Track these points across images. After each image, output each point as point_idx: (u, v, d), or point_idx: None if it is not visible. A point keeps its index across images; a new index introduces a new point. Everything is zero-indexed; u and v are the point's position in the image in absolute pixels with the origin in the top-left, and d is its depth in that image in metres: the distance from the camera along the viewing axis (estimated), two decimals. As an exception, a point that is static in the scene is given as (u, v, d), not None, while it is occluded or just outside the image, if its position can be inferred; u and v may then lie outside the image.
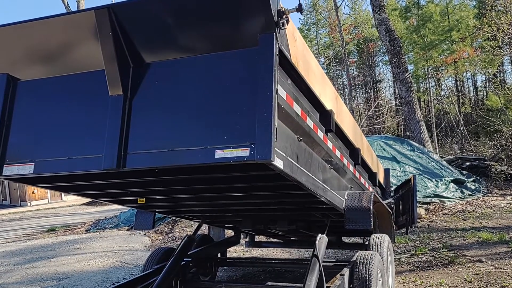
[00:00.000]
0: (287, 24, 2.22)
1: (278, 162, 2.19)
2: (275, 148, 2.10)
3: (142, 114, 2.37)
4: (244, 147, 2.10)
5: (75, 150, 2.44)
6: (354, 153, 4.17)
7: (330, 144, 3.26)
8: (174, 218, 11.16)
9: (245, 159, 2.08)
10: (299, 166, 2.60)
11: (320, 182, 3.10)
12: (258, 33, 2.16)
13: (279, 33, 2.17)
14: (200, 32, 2.29)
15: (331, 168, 3.45)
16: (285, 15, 2.18)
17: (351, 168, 4.12)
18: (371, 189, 5.09)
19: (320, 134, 2.99)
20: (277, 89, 2.13)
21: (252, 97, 2.13)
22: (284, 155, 2.33)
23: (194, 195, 3.45)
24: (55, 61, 2.57)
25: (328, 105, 3.12)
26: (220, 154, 2.14)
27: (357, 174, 4.40)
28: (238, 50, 2.24)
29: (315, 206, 3.70)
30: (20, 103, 2.64)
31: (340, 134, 3.63)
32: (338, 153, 3.55)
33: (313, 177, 2.93)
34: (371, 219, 3.59)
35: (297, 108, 2.51)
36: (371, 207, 3.62)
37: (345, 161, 3.83)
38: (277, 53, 2.15)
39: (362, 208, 3.64)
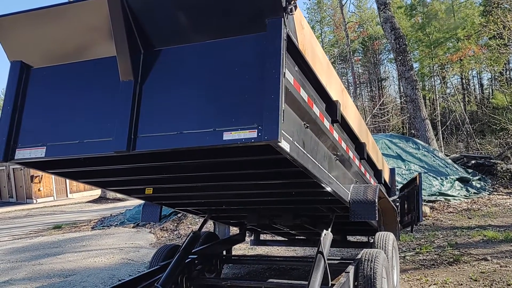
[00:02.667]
0: (295, 10, 2.27)
1: (284, 145, 2.24)
2: (282, 131, 2.15)
3: (152, 98, 2.43)
4: (251, 129, 2.14)
5: (86, 134, 2.50)
6: (359, 147, 4.18)
7: (336, 135, 3.28)
8: (179, 215, 11.21)
9: (253, 140, 2.13)
10: (305, 152, 2.64)
11: (326, 172, 3.12)
12: (266, 18, 2.21)
13: (287, 18, 2.22)
14: (209, 18, 2.34)
15: (336, 159, 3.47)
16: (293, 1, 2.23)
17: (357, 161, 4.13)
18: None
19: (326, 123, 3.03)
20: (284, 73, 2.17)
21: (260, 80, 2.18)
22: (291, 139, 2.37)
23: (200, 184, 3.49)
24: (68, 48, 2.62)
25: (334, 96, 3.15)
26: (228, 136, 2.18)
27: (362, 169, 4.40)
28: (246, 36, 2.29)
29: (321, 197, 3.72)
30: (33, 89, 2.71)
31: (345, 127, 3.65)
32: (343, 145, 3.57)
33: (319, 165, 2.95)
34: (376, 212, 3.61)
35: (304, 94, 2.55)
36: (376, 200, 3.63)
37: (350, 153, 3.84)
38: (285, 37, 2.20)
39: (367, 201, 3.66)
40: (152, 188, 3.77)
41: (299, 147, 2.53)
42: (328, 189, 3.21)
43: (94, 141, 2.47)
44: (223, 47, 2.34)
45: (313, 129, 2.83)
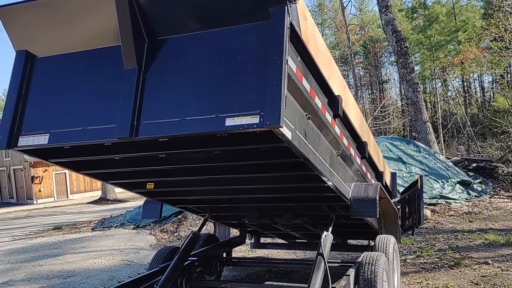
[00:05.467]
0: (298, 0, 2.32)
1: (286, 132, 2.25)
2: (284, 118, 2.16)
3: (155, 86, 2.46)
4: (254, 115, 2.16)
5: (89, 121, 2.53)
6: (361, 146, 4.17)
7: (337, 130, 3.29)
8: (179, 217, 11.19)
9: (255, 126, 2.14)
10: (307, 142, 2.65)
11: (327, 165, 3.12)
12: (270, 7, 2.24)
13: (290, 7, 2.26)
14: (213, 7, 2.37)
15: (338, 154, 3.47)
16: None
17: (358, 160, 4.12)
18: None
19: (328, 117, 3.04)
20: (287, 60, 2.19)
21: (262, 67, 2.21)
22: (293, 127, 2.38)
23: (201, 177, 3.49)
24: (72, 38, 2.66)
25: (336, 91, 3.15)
26: (230, 122, 2.20)
27: (363, 168, 4.39)
28: (250, 24, 2.32)
29: (322, 193, 3.70)
30: (37, 78, 2.74)
31: (347, 124, 3.66)
32: (345, 141, 3.58)
33: (321, 158, 2.96)
34: (377, 209, 3.60)
35: (306, 84, 2.57)
36: (377, 197, 3.63)
37: (352, 151, 3.83)
38: (288, 26, 2.22)
39: (368, 198, 3.65)
40: (153, 183, 3.78)
41: (301, 136, 2.54)
42: (329, 183, 3.20)
43: (98, 127, 2.49)
44: (227, 36, 2.37)
45: (315, 121, 2.84)
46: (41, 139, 2.60)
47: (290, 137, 2.31)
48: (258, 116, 2.14)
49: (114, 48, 2.54)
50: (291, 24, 2.27)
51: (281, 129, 2.14)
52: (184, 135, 2.34)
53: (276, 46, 2.19)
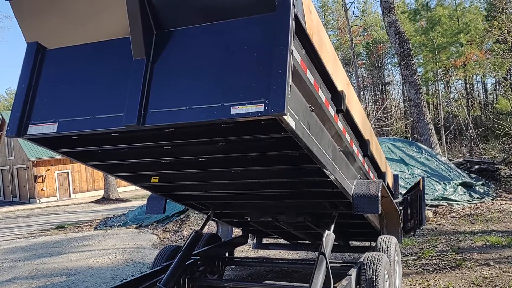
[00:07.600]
0: None
1: (290, 121, 2.31)
2: (288, 107, 2.20)
3: (163, 76, 2.52)
4: (258, 103, 2.21)
5: (98, 110, 2.59)
6: (363, 144, 4.20)
7: (340, 125, 3.33)
8: (182, 217, 11.23)
9: (260, 114, 2.19)
10: (310, 134, 2.69)
11: (330, 159, 3.16)
12: None
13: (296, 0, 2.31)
14: (220, 0, 2.42)
15: (340, 150, 3.50)
16: None
17: (360, 157, 4.14)
18: None
19: (331, 111, 3.08)
20: (292, 50, 2.24)
21: (268, 57, 2.26)
22: (297, 117, 2.43)
23: (206, 170, 3.53)
24: (82, 30, 2.71)
25: (339, 87, 3.19)
26: (235, 110, 2.25)
27: (366, 166, 4.40)
28: (255, 16, 2.37)
29: (324, 189, 3.73)
30: (47, 69, 2.81)
31: (350, 121, 3.68)
32: (348, 137, 3.60)
33: (323, 151, 2.99)
34: (379, 205, 3.63)
35: (310, 77, 2.62)
36: (379, 193, 3.66)
37: (354, 148, 3.86)
38: (293, 17, 2.28)
39: (371, 195, 3.68)
40: (158, 177, 3.82)
41: (304, 127, 2.58)
42: (332, 177, 3.23)
43: (106, 116, 2.55)
44: (233, 27, 2.42)
45: (318, 114, 2.88)
46: (50, 128, 2.66)
47: (294, 127, 2.36)
48: (263, 104, 2.19)
49: (123, 39, 2.61)
50: (296, 16, 2.31)
51: (285, 117, 2.19)
52: (190, 124, 2.39)
53: (281, 36, 2.23)
